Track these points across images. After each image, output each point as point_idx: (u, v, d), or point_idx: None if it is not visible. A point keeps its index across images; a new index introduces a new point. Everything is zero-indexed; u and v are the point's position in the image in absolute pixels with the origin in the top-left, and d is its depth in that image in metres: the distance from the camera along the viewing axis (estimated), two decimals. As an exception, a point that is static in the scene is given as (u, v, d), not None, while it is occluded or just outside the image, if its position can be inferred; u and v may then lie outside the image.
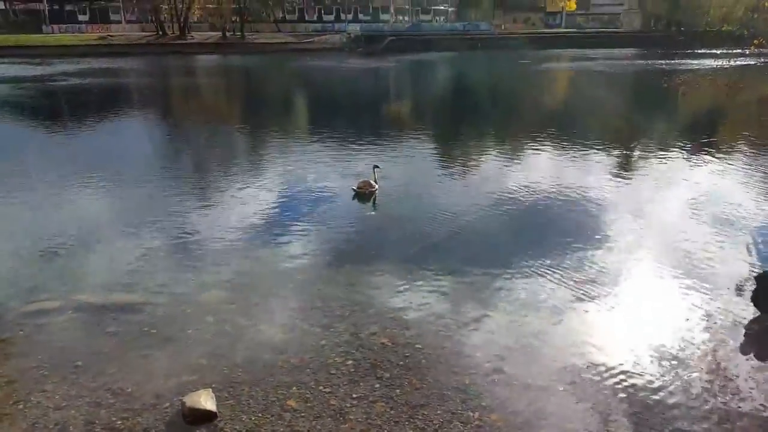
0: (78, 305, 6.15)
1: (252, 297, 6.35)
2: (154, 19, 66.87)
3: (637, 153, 13.80)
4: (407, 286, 6.54)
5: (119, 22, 72.80)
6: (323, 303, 6.18)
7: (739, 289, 6.33)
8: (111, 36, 63.90)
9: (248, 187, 10.66)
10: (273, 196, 10.12)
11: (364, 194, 9.96)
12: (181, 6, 64.44)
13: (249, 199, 9.96)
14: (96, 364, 5.07)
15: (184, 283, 6.72)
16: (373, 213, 9.17)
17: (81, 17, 76.92)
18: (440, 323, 5.74)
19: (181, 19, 65.10)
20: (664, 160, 12.55)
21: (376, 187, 10.08)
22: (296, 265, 7.21)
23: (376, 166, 10.39)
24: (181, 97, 29.60)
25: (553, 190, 10.24)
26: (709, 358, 5.13)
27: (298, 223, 8.72)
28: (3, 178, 11.29)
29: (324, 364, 5.07)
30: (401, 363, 5.08)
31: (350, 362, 5.10)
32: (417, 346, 5.34)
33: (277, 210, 9.42)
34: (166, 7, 65.54)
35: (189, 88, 32.84)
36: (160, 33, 65.49)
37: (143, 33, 67.39)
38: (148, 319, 5.89)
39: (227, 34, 66.57)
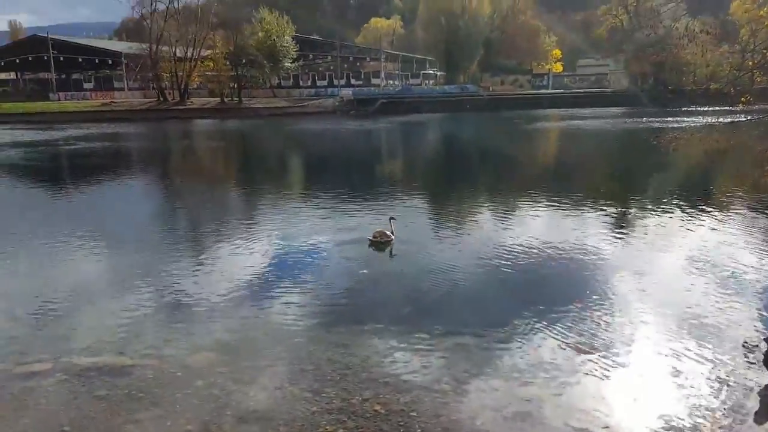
0: (67, 367, 5.98)
1: (242, 360, 6.14)
2: (155, 86, 68.69)
3: (632, 211, 13.80)
4: (402, 348, 6.33)
5: (122, 89, 74.72)
6: (315, 366, 5.96)
7: (750, 352, 6.07)
8: (114, 102, 65.54)
9: (243, 247, 10.56)
10: (267, 256, 10.01)
11: (379, 243, 10.21)
12: (181, 74, 66.36)
13: (243, 259, 9.84)
14: (83, 429, 4.88)
15: (174, 345, 6.52)
16: (366, 271, 9.03)
17: (86, 85, 79.30)
18: (436, 389, 5.50)
19: (182, 86, 66.88)
20: (659, 218, 12.53)
21: (392, 237, 10.32)
22: (288, 326, 7.02)
23: (393, 218, 10.71)
24: (180, 159, 29.95)
25: (551, 248, 10.11)
26: (722, 429, 4.83)
27: (292, 283, 8.57)
28: (1, 237, 11.26)
29: (315, 432, 4.82)
30: (395, 432, 4.83)
31: (341, 431, 4.84)
32: (412, 413, 5.10)
33: (270, 270, 9.28)
34: (167, 74, 67.47)
35: (187, 151, 33.30)
36: (161, 99, 67.12)
37: (145, 99, 69.08)
38: (137, 382, 5.69)
39: (225, 99, 68.25)
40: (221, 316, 7.35)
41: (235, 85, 69.37)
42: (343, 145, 33.56)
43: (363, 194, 16.04)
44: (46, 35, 69.93)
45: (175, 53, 65.26)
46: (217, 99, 68.15)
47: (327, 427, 4.89)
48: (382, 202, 14.68)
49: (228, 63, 67.68)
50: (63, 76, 77.31)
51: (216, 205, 15.81)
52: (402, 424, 4.94)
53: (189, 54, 66.04)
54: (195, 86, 71.33)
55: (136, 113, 59.82)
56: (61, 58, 70.95)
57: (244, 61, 69.50)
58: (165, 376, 5.81)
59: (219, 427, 4.89)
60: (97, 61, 73.63)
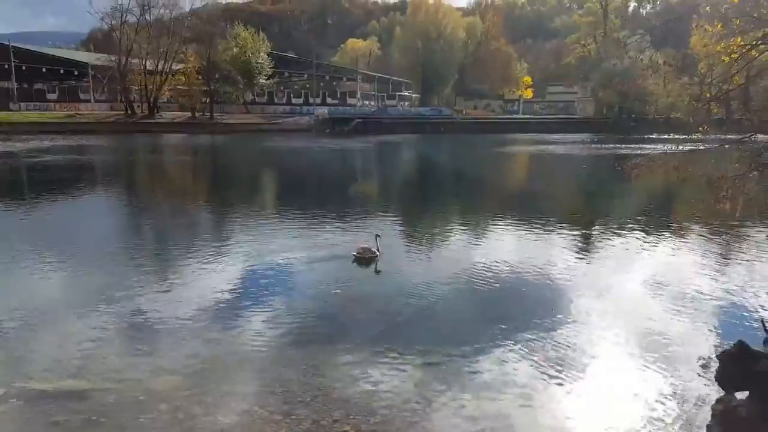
0: (22, 392, 5.76)
1: (209, 382, 6.06)
2: (123, 98, 67.76)
3: (596, 233, 14.21)
4: (374, 368, 6.37)
5: (88, 101, 73.44)
6: (284, 388, 5.93)
7: (704, 368, 6.37)
8: (79, 114, 64.26)
9: (212, 265, 10.45)
10: (238, 275, 9.93)
11: (363, 259, 10.49)
12: (151, 87, 65.65)
13: (212, 277, 9.73)
14: (36, 459, 4.69)
15: (137, 367, 6.38)
16: (338, 291, 9.05)
17: (50, 95, 77.53)
18: (406, 408, 5.55)
19: (151, 99, 66.15)
20: (621, 241, 12.93)
21: (377, 254, 10.58)
22: (257, 346, 6.97)
23: (378, 235, 10.98)
24: (148, 174, 29.50)
25: (520, 268, 10.35)
26: (677, 440, 5.07)
27: (263, 302, 8.51)
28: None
29: (283, 454, 4.79)
30: (365, 452, 4.85)
31: (311, 452, 4.84)
32: (381, 433, 5.13)
33: (241, 288, 9.20)
34: (136, 87, 66.68)
35: (156, 166, 32.83)
36: (129, 112, 66.19)
37: (112, 112, 68.01)
38: (97, 407, 5.54)
39: (196, 114, 67.73)
40: (187, 337, 7.24)
41: (207, 100, 68.95)
42: (319, 164, 33.60)
43: (339, 213, 16.08)
44: (7, 42, 68.16)
45: (145, 66, 64.62)
46: (188, 113, 67.53)
47: (295, 449, 4.88)
48: (358, 222, 14.76)
49: (200, 78, 67.28)
50: (25, 86, 75.37)
51: (185, 222, 15.63)
52: (371, 445, 4.97)
53: (160, 67, 65.48)
54: (165, 100, 70.63)
55: (103, 125, 58.74)
56: (24, 67, 69.45)
57: (217, 76, 69.24)
58: (127, 400, 5.68)
59: (184, 450, 4.81)
60: (62, 71, 72.35)
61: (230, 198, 20.28)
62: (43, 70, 71.12)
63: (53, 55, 75.59)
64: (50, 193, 20.04)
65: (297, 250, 11.55)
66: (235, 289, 9.15)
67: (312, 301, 8.66)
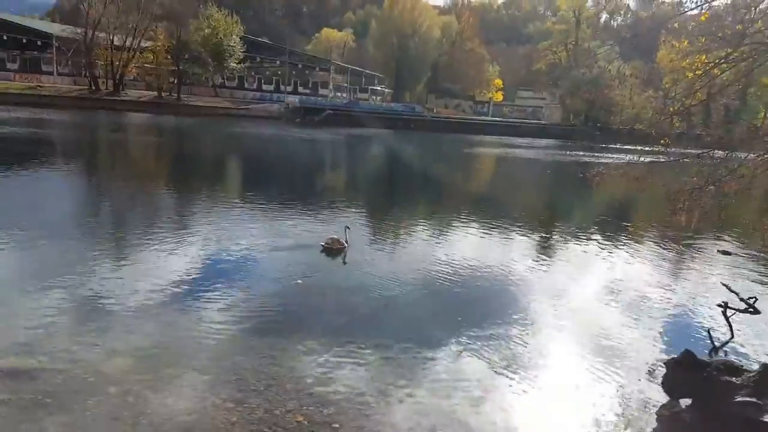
0: (-37, 370, 5.53)
1: (161, 367, 5.93)
2: (88, 73, 65.49)
3: (556, 238, 14.51)
4: (329, 360, 6.34)
5: (51, 73, 70.59)
6: (238, 376, 5.86)
7: (651, 375, 6.57)
8: (41, 86, 61.78)
9: (171, 248, 10.23)
10: (198, 259, 9.74)
11: (332, 250, 10.63)
12: (117, 63, 63.65)
13: (170, 260, 9.53)
14: (-25, 439, 4.52)
15: (88, 348, 6.20)
16: (299, 282, 8.98)
17: (10, 65, 74.07)
18: (360, 401, 5.56)
19: (117, 76, 64.16)
20: (579, 246, 13.23)
21: (346, 245, 10.72)
22: (213, 333, 6.86)
23: (347, 227, 11.11)
24: (108, 153, 28.64)
25: (480, 269, 10.46)
26: (622, 441, 5.22)
27: (223, 288, 8.38)
28: None
29: (234, 443, 4.73)
30: (316, 443, 4.83)
31: (262, 442, 4.80)
32: (334, 425, 5.12)
33: (200, 273, 9.05)
34: (102, 62, 64.50)
35: (118, 145, 31.88)
36: (93, 87, 64.02)
37: (75, 86, 65.60)
38: (44, 386, 5.37)
39: (163, 94, 66.04)
40: (141, 319, 7.08)
41: (175, 81, 67.31)
42: (288, 153, 33.22)
43: (306, 204, 15.97)
44: (-35, 6, 65.03)
45: (112, 41, 62.52)
46: (154, 93, 65.80)
47: (246, 438, 4.82)
48: (326, 214, 14.69)
49: (169, 57, 65.57)
50: (-17, 54, 72.14)
51: (146, 205, 15.23)
52: (323, 436, 4.95)
53: (128, 43, 63.52)
54: (131, 78, 68.62)
55: (65, 100, 56.59)
56: (-18, 34, 66.46)
57: (186, 56, 67.54)
58: (75, 381, 5.52)
59: (132, 436, 4.70)
60: (24, 40, 69.26)
61: (194, 182, 19.89)
62: (4, 37, 68.01)
63: (15, 23, 72.30)
64: (6, 167, 19.23)
65: (261, 238, 11.43)
66: (194, 274, 8.98)
67: (273, 290, 8.59)
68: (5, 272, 8.58)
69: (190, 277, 8.82)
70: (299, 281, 9.00)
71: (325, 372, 6.07)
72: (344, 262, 10.31)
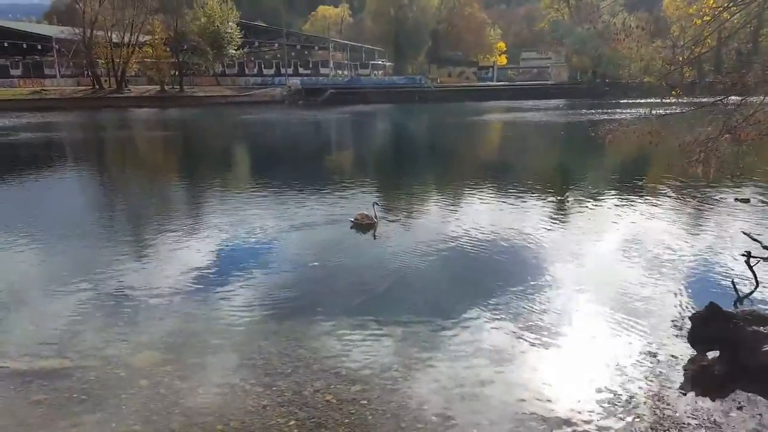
0: (1, 372, 5.68)
1: (189, 357, 6.03)
2: (90, 73, 65.58)
3: (570, 199, 14.38)
4: (352, 338, 6.40)
5: (53, 76, 70.76)
6: (264, 360, 5.94)
7: (677, 329, 6.53)
8: (45, 90, 62.08)
9: (186, 239, 10.32)
10: (212, 248, 9.82)
11: (361, 225, 10.93)
12: (118, 60, 63.59)
13: (186, 252, 9.62)
14: (18, 439, 4.65)
15: (116, 344, 6.32)
16: (316, 263, 9.03)
17: (13, 71, 74.28)
18: (386, 376, 5.61)
19: (119, 73, 64.17)
20: (595, 206, 13.12)
21: (375, 221, 11.05)
22: (236, 320, 6.94)
23: (376, 203, 11.39)
24: (118, 150, 28.82)
25: (497, 236, 10.45)
26: (651, 399, 5.23)
27: (242, 275, 8.46)
28: None
29: (266, 426, 4.82)
30: (347, 421, 4.90)
31: (293, 422, 4.88)
32: (362, 402, 5.18)
33: (219, 261, 9.13)
34: (103, 61, 64.46)
35: (126, 142, 32.05)
36: (97, 87, 64.18)
37: (79, 87, 65.81)
38: (78, 384, 5.49)
39: (166, 87, 66.00)
40: (165, 312, 7.18)
41: (176, 73, 67.18)
42: (294, 136, 33.17)
43: (320, 184, 15.97)
44: (-35, 16, 65.18)
45: (111, 38, 62.40)
46: (157, 87, 65.82)
47: (278, 420, 4.90)
48: (342, 192, 14.76)
49: (168, 49, 65.35)
50: (-14, 62, 72.45)
51: (159, 197, 15.35)
52: (353, 412, 5.02)
53: (126, 39, 63.35)
54: (133, 73, 68.55)
55: (70, 102, 56.99)
56: (-17, 43, 66.59)
57: (185, 47, 67.35)
58: (108, 377, 5.64)
59: (167, 426, 4.81)
60: (24, 45, 69.50)
61: (205, 172, 19.96)
62: (5, 44, 68.10)
63: (14, 29, 72.32)
64: (19, 173, 19.44)
65: (281, 221, 11.54)
66: (213, 263, 9.07)
67: (294, 271, 8.66)
68: (30, 273, 8.75)
69: (209, 266, 8.90)
70: (316, 263, 9.04)
71: (350, 351, 6.12)
72: (375, 237, 10.54)
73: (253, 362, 5.90)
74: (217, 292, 7.84)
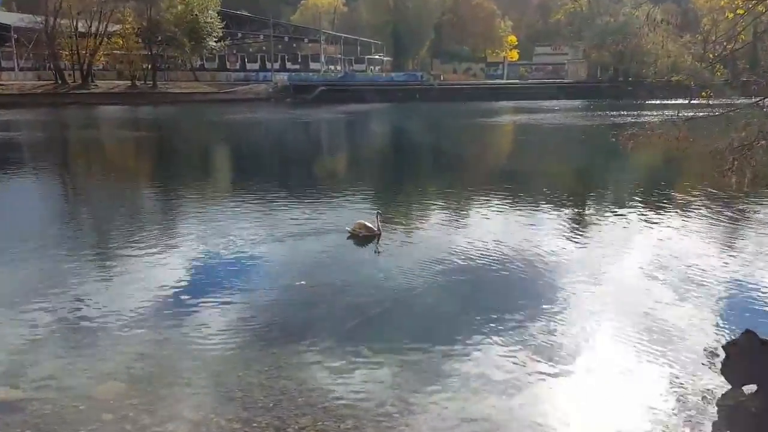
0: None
1: (158, 388, 5.98)
2: (52, 66, 65.70)
3: (590, 211, 14.42)
4: (343, 368, 6.36)
5: (11, 69, 70.81)
6: (244, 392, 5.89)
7: (709, 360, 6.47)
8: (2, 85, 62.06)
9: (158, 254, 10.27)
10: (186, 264, 9.78)
11: (358, 237, 11.00)
12: (84, 52, 63.71)
13: (158, 268, 9.58)
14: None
15: (76, 373, 6.26)
16: (303, 282, 9.00)
17: (-33, 65, 74.50)
18: (381, 412, 5.56)
19: (84, 67, 64.29)
20: (618, 219, 13.13)
21: (378, 232, 11.12)
22: (212, 346, 6.89)
23: (379, 213, 11.51)
24: (83, 153, 28.82)
25: (507, 252, 10.45)
26: (680, 437, 5.19)
27: (216, 295, 8.41)
28: None
29: (245, 467, 4.77)
30: (337, 461, 4.85)
31: (276, 464, 4.83)
32: (355, 441, 5.14)
33: (191, 280, 9.09)
34: (67, 53, 64.61)
35: (92, 143, 32.08)
36: (60, 82, 64.26)
37: (39, 81, 65.87)
38: (32, 419, 5.43)
39: (137, 83, 66.18)
40: (133, 336, 7.13)
41: (149, 67, 67.36)
42: (280, 138, 33.25)
43: (306, 193, 16.00)
44: None
45: (76, 28, 62.61)
46: (128, 82, 65.98)
47: (258, 461, 4.86)
48: (338, 201, 14.87)
49: (140, 40, 65.61)
50: (-65, 52, 72.39)
51: (129, 206, 15.30)
52: (343, 453, 4.98)
53: (93, 29, 63.53)
54: (100, 67, 68.77)
55: (29, 98, 56.93)
56: (-68, 31, 66.63)
57: (159, 38, 67.59)
58: (66, 410, 5.57)
59: (131, 467, 4.75)
60: (-21, 35, 69.57)
61: (180, 179, 19.95)
62: (-43, 35, 68.28)
63: (-33, 17, 72.55)
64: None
65: (259, 234, 11.52)
66: (188, 281, 9.03)
67: (272, 293, 8.62)
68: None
69: (186, 284, 8.86)
70: (304, 281, 8.98)
71: (340, 382, 6.08)
72: (377, 251, 10.62)
73: (230, 394, 5.85)
74: (192, 315, 7.80)
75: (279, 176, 20.18)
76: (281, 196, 15.60)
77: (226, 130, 38.87)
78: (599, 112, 46.62)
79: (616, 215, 13.48)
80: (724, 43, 8.80)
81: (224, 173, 22.54)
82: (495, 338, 7.03)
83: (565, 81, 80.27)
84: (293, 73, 74.87)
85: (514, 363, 6.45)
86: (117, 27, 65.37)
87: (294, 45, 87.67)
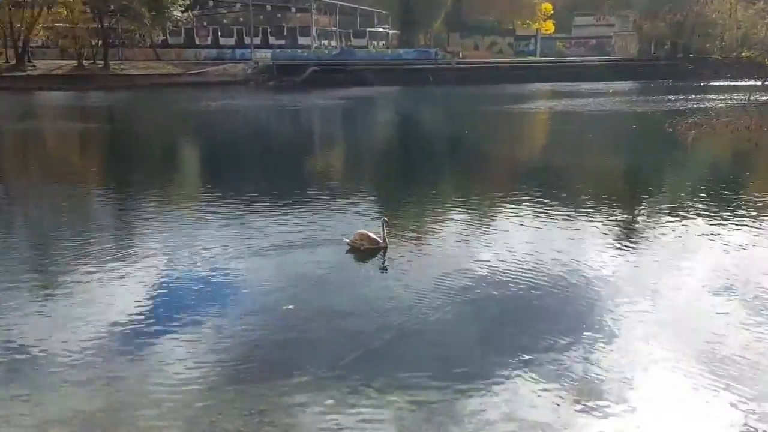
0: None
1: (113, 437, 6.05)
2: (-22, 43, 66.24)
3: (642, 217, 14.43)
4: (339, 410, 6.40)
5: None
6: (219, 441, 5.95)
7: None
8: None
9: (113, 273, 10.32)
10: (148, 285, 9.83)
11: (359, 250, 11.13)
12: (18, 25, 64.13)
13: (113, 290, 9.62)
14: None
15: (14, 419, 6.30)
16: (291, 306, 9.04)
17: None
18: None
19: (19, 43, 64.69)
20: (677, 226, 13.15)
21: (382, 243, 11.28)
22: (180, 385, 6.92)
23: (385, 220, 11.52)
24: (18, 149, 29.02)
25: (541, 268, 10.48)
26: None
27: (184, 324, 8.45)
28: None
29: None
30: None
31: None
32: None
33: (153, 305, 9.13)
34: (-1, 26, 65.19)
35: (29, 137, 32.26)
36: (-12, 61, 64.75)
37: (-37, 62, 66.43)
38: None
39: (85, 62, 66.53)
40: (83, 374, 7.16)
41: (99, 43, 67.71)
42: (262, 132, 33.39)
43: (295, 198, 16.06)
44: None
45: (10, -5, 63.12)
46: (73, 62, 66.35)
47: None
48: (323, 210, 14.84)
49: (89, 10, 65.97)
50: None
51: (76, 217, 15.34)
52: None
53: (31, -3, 64.02)
54: (39, 43, 69.18)
55: (-49, 82, 57.42)
56: None
57: (112, 7, 67.91)
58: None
59: None
60: None
61: (141, 181, 20.03)
62: None
63: None
64: None
65: (237, 248, 11.59)
66: (150, 306, 9.09)
67: (251, 317, 8.66)
68: None
69: (147, 311, 8.90)
70: (291, 306, 9.03)
71: (336, 427, 6.13)
72: (383, 267, 10.71)
73: (202, 444, 5.91)
74: (154, 348, 7.84)
75: (261, 177, 20.23)
76: (264, 201, 15.67)
77: (195, 121, 39.00)
78: (653, 96, 46.68)
79: (674, 222, 13.51)
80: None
81: (193, 175, 22.66)
82: (525, 374, 7.04)
83: (612, 58, 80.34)
84: (278, 50, 75.02)
85: (550, 403, 6.47)
86: (60, -5, 65.83)
87: (278, 15, 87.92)
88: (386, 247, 11.29)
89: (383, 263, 10.87)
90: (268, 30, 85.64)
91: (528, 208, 14.82)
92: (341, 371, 7.21)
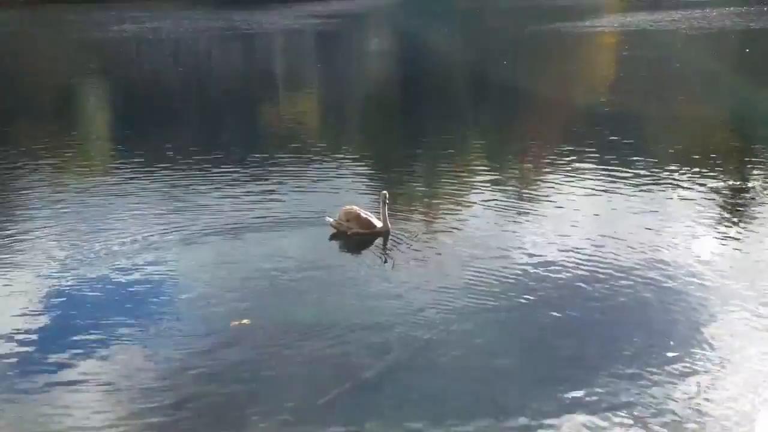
0: None
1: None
2: None
3: (747, 188, 14.13)
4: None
5: None
6: None
7: None
8: None
9: (25, 271, 10.53)
10: (48, 294, 9.87)
11: (346, 234, 11.20)
12: None
13: (23, 296, 9.76)
14: None
15: None
16: (244, 321, 8.95)
17: None
18: None
19: None
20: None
21: (380, 227, 11.29)
22: (108, 425, 7.04)
23: (386, 195, 11.25)
24: None
25: (602, 258, 10.47)
26: None
27: (106, 341, 8.50)
28: None
29: None
30: None
31: None
32: None
33: (52, 320, 9.20)
34: None
35: None
36: None
37: None
38: None
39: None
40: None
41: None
42: (202, 69, 33.29)
43: (255, 166, 16.25)
44: None
45: None
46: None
47: None
48: (295, 181, 14.94)
49: None
50: None
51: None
52: None
53: None
54: None
55: None
56: None
57: None
58: None
59: None
60: None
61: (32, 138, 20.11)
62: None
63: None
64: None
65: (177, 233, 11.79)
66: (49, 322, 9.16)
67: (210, 337, 8.65)
68: None
69: (41, 329, 8.98)
70: (236, 322, 9.00)
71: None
72: (385, 258, 10.77)
73: None
74: (69, 373, 7.85)
75: (205, 138, 20.21)
76: (210, 170, 15.79)
77: (104, 55, 38.85)
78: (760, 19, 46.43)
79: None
80: None
81: (102, 136, 22.53)
82: (585, 408, 7.09)
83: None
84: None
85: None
86: None
87: None
88: (387, 232, 11.22)
89: (382, 255, 10.84)
90: None
91: (584, 175, 14.75)
92: (315, 415, 7.24)
